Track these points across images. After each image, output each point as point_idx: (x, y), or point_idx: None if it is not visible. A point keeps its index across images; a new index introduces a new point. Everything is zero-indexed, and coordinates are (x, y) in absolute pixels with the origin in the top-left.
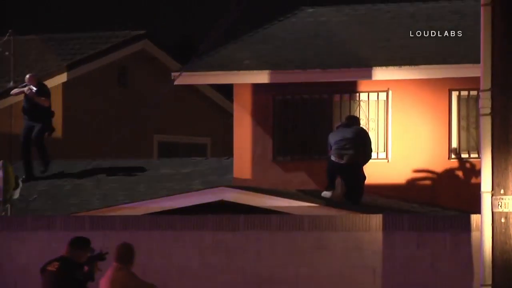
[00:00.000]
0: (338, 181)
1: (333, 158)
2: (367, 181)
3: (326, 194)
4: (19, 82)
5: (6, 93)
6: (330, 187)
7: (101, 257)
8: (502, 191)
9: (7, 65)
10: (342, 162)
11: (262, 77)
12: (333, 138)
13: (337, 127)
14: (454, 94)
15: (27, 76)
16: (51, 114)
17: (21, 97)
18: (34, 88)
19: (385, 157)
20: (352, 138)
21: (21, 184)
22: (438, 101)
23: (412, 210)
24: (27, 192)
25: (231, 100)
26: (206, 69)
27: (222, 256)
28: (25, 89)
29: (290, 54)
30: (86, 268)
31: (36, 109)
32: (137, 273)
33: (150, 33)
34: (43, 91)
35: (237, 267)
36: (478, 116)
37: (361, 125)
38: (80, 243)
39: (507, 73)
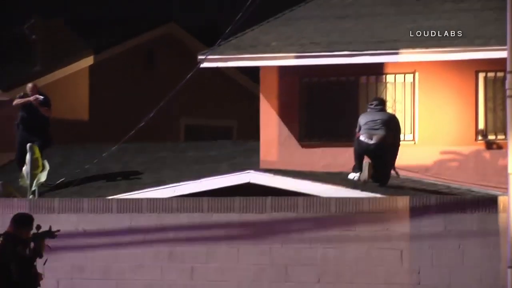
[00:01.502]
0: (365, 163)
1: (362, 138)
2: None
3: (353, 176)
4: (45, 66)
5: (33, 77)
6: (357, 169)
7: (50, 234)
8: None
9: (33, 49)
10: (372, 142)
11: (288, 60)
12: (363, 120)
13: (368, 109)
14: (481, 76)
15: (29, 85)
16: (49, 124)
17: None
18: (41, 97)
19: (412, 139)
20: (384, 120)
21: (48, 167)
22: (465, 83)
23: (439, 192)
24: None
25: (257, 83)
26: (231, 52)
27: (249, 238)
28: (31, 98)
29: (316, 37)
30: (32, 244)
31: (36, 119)
32: (164, 255)
33: (177, 16)
34: (47, 100)
35: (264, 249)
36: (504, 97)
37: (387, 107)
38: (23, 220)
39: None
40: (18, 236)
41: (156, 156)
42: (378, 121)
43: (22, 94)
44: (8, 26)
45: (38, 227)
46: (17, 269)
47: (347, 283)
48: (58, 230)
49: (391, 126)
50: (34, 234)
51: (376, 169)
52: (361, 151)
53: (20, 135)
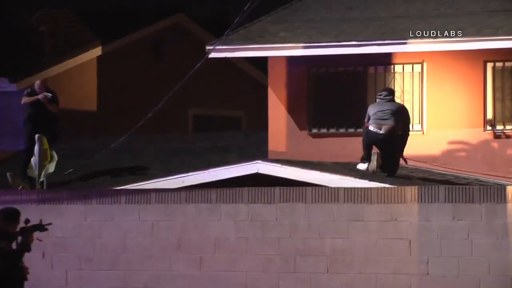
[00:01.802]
0: (373, 153)
1: (371, 128)
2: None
3: (361, 166)
4: (52, 57)
5: (41, 68)
6: (365, 159)
7: (40, 227)
8: None
9: (41, 40)
10: (381, 132)
11: (296, 50)
12: (372, 110)
13: (377, 99)
14: (489, 66)
15: (37, 82)
16: (57, 119)
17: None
18: (49, 95)
19: (420, 129)
20: (393, 110)
21: (56, 158)
22: (473, 73)
23: (448, 182)
24: (63, 165)
25: (266, 73)
26: (239, 42)
27: (257, 229)
28: (40, 96)
29: (324, 27)
30: (20, 239)
31: (44, 115)
32: (172, 246)
33: (186, 7)
34: (55, 97)
35: (272, 240)
36: None
37: (395, 97)
38: (9, 215)
39: None
40: (3, 231)
41: (165, 147)
42: (387, 111)
43: (29, 90)
44: (16, 18)
45: (27, 221)
46: (1, 263)
47: (355, 274)
48: (50, 223)
49: (400, 116)
50: (21, 228)
51: (384, 159)
52: (370, 141)
53: (28, 131)
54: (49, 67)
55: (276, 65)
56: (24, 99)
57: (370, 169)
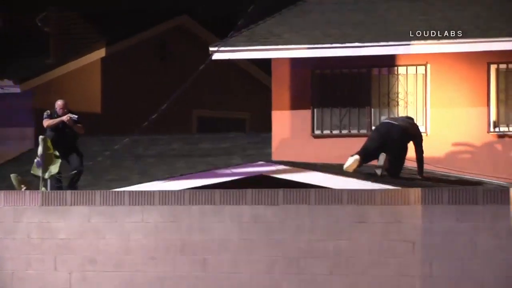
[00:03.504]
0: (381, 155)
1: (385, 120)
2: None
3: (377, 171)
4: (57, 59)
5: (46, 69)
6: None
7: None
8: None
9: (46, 41)
10: (396, 123)
11: (300, 51)
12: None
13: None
14: (493, 67)
15: (59, 103)
16: (78, 139)
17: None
18: (75, 116)
19: (424, 131)
20: (406, 120)
21: (60, 160)
22: (477, 75)
23: (451, 184)
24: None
25: (270, 75)
26: (243, 44)
27: (261, 231)
28: (64, 118)
29: (328, 28)
30: None
31: (66, 136)
32: (176, 247)
33: (190, 8)
34: (79, 118)
35: (276, 241)
36: None
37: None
38: None
39: None
40: None
41: (169, 148)
42: (400, 118)
43: (49, 112)
44: (21, 18)
45: None
46: None
47: (359, 275)
48: None
49: (414, 127)
50: None
51: (390, 159)
52: (382, 131)
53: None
54: (53, 68)
55: (279, 67)
56: (46, 122)
57: (379, 172)
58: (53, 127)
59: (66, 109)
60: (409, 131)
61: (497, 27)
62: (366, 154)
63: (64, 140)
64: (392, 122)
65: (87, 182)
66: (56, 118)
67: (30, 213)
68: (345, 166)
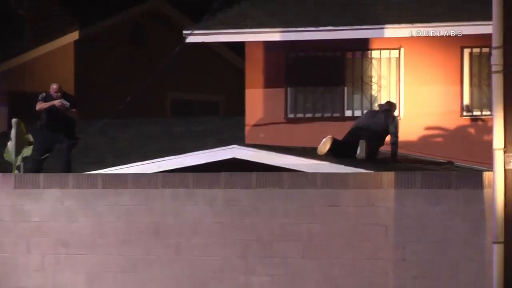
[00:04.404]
0: (361, 142)
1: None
2: None
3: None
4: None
5: (19, 52)
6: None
7: None
8: None
9: (19, 23)
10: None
11: (274, 35)
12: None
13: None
14: (466, 52)
15: (54, 86)
16: (75, 124)
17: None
18: (67, 103)
19: (397, 115)
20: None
21: (33, 142)
22: (450, 59)
23: (424, 168)
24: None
25: (243, 58)
26: (217, 27)
27: (234, 214)
28: (56, 102)
29: (302, 12)
30: None
31: (61, 120)
32: (149, 230)
33: None
34: (74, 102)
35: (249, 225)
36: (490, 73)
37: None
38: None
39: None
40: None
41: (142, 131)
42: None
43: (44, 95)
44: None
45: None
46: None
47: (332, 259)
48: None
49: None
50: None
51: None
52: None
53: (44, 135)
54: (27, 51)
55: (253, 50)
56: (39, 105)
57: (359, 157)
58: (48, 111)
59: (60, 93)
60: (390, 113)
61: (470, 11)
62: (341, 141)
63: (58, 122)
64: (375, 110)
65: (60, 165)
66: (50, 101)
67: (3, 196)
68: (318, 149)
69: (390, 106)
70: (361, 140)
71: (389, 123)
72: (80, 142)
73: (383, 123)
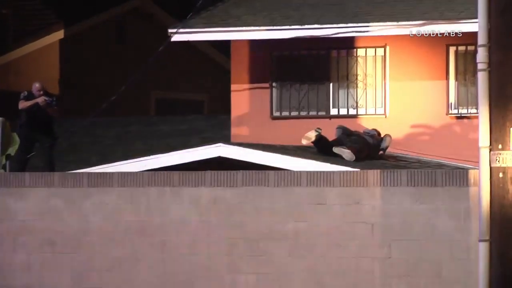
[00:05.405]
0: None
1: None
2: None
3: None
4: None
5: (4, 51)
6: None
7: None
8: (500, 146)
9: (4, 23)
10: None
11: (259, 33)
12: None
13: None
14: (452, 50)
15: (37, 85)
16: (54, 122)
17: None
18: (50, 99)
19: (383, 113)
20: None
21: (18, 141)
22: (436, 56)
23: (410, 166)
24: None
25: (229, 57)
26: (202, 26)
27: (220, 212)
28: (39, 100)
29: (287, 10)
30: None
31: (42, 119)
32: (135, 229)
33: None
34: (55, 100)
35: (235, 223)
36: (475, 71)
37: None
38: None
39: (504, 28)
40: None
41: (127, 130)
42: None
43: (26, 93)
44: None
45: None
46: None
47: (318, 257)
48: None
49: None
50: None
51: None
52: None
53: (25, 134)
54: (11, 50)
55: (238, 48)
56: (22, 104)
57: (348, 158)
58: (30, 109)
59: (43, 91)
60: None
61: (455, 9)
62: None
63: (39, 123)
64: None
65: (45, 163)
66: (32, 100)
67: None
68: (305, 135)
69: (376, 131)
70: (347, 145)
71: (382, 141)
72: (65, 141)
73: (375, 140)
